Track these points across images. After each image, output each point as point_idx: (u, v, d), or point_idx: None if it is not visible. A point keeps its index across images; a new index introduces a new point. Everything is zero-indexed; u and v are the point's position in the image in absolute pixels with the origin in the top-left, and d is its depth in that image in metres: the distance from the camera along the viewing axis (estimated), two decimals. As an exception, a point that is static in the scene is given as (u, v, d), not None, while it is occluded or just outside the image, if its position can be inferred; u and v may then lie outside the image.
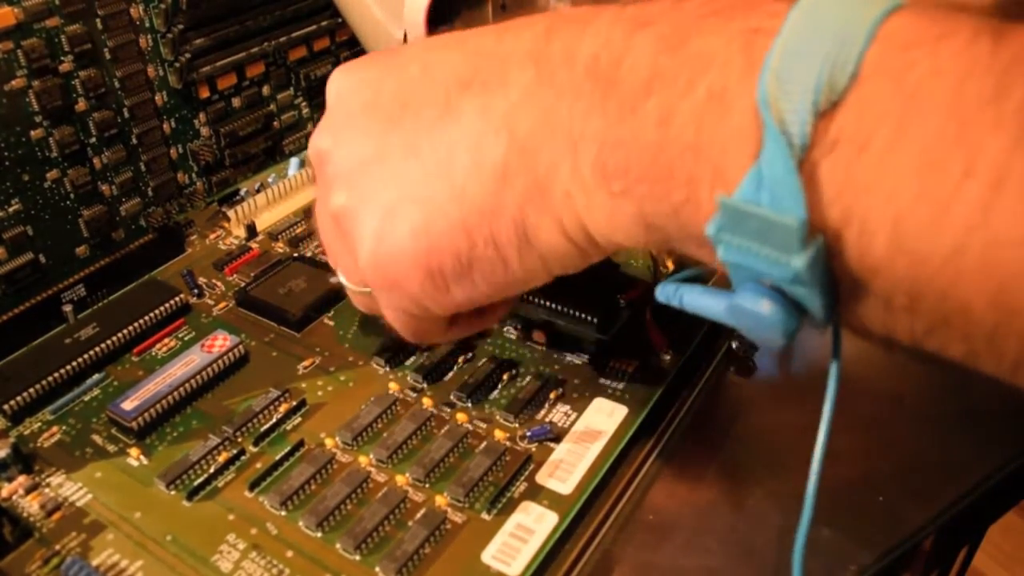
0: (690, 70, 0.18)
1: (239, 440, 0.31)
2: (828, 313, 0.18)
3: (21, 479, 0.29)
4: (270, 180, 0.46)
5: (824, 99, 0.16)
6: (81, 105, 0.36)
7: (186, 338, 0.36)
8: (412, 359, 0.34)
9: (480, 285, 0.25)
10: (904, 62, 0.15)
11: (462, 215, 0.23)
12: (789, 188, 0.16)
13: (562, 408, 0.31)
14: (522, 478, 0.28)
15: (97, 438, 0.31)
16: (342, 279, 0.29)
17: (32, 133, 0.35)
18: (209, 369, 0.33)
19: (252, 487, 0.29)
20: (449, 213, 0.23)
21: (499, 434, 0.30)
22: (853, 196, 0.16)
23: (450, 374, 0.33)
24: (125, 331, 0.35)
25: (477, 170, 0.23)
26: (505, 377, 0.33)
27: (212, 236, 0.44)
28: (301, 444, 0.30)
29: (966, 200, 0.14)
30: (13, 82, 0.34)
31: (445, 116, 0.24)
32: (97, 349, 0.34)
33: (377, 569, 0.25)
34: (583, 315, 0.32)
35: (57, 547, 0.27)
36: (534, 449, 0.29)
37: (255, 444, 0.30)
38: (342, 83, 0.27)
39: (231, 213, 0.43)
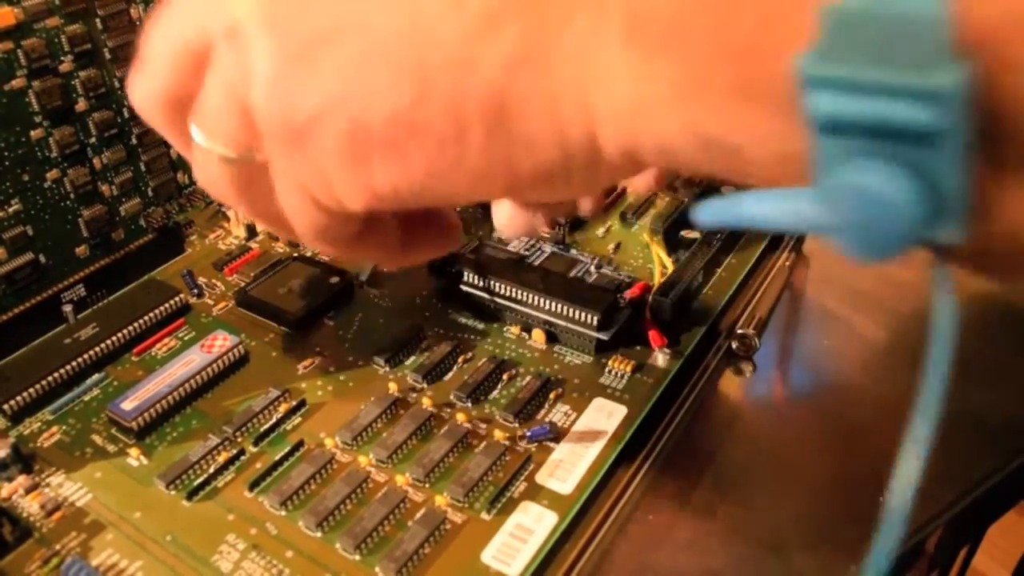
0: None
1: (239, 440, 0.31)
2: (965, 202, 0.13)
3: (21, 479, 0.29)
4: (270, 180, 0.46)
5: None
6: (81, 105, 0.36)
7: (186, 338, 0.36)
8: (412, 359, 0.34)
9: (414, 169, 0.19)
10: None
11: (420, 60, 0.18)
12: None
13: (562, 408, 0.31)
14: (522, 478, 0.28)
15: (97, 438, 0.31)
16: (198, 136, 0.22)
17: (32, 133, 0.35)
18: (209, 369, 0.33)
19: (252, 487, 0.29)
20: (401, 52, 0.18)
21: (499, 434, 0.30)
22: None
23: (450, 374, 0.33)
24: (125, 331, 0.35)
25: (457, 6, 0.18)
26: (505, 377, 0.33)
27: (212, 236, 0.44)
28: (301, 444, 0.30)
29: None
30: (13, 82, 0.33)
31: None
32: (97, 349, 0.34)
33: (377, 569, 0.26)
34: (583, 314, 0.32)
35: (57, 547, 0.27)
36: (534, 449, 0.29)
37: (255, 444, 0.30)
38: None
39: (231, 213, 0.43)
